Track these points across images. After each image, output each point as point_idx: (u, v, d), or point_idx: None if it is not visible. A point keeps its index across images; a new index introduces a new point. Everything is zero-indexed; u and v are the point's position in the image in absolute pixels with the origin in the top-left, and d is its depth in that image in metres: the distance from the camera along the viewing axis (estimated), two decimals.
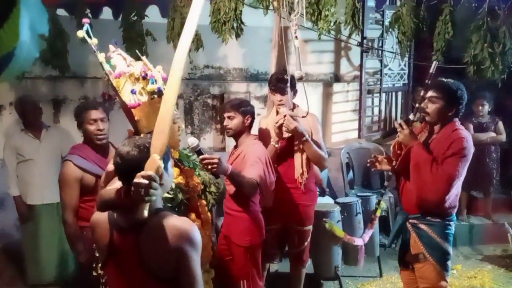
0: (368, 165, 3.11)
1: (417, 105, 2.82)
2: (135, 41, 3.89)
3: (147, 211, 1.59)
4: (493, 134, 5.15)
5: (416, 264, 2.82)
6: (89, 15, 3.91)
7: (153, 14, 4.16)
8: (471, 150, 2.65)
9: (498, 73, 4.00)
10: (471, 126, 5.15)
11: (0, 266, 4.26)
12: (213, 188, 2.73)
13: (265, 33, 5.24)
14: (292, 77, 3.19)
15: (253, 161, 2.92)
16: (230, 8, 3.73)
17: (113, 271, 1.78)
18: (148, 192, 1.55)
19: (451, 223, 2.77)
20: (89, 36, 2.16)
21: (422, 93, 2.78)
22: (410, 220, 2.83)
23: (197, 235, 1.67)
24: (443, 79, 2.80)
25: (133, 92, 2.16)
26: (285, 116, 3.19)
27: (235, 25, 3.81)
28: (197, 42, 3.94)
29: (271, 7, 3.81)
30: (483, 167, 5.16)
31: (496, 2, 3.84)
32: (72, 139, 4.02)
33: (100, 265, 2.37)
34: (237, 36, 3.89)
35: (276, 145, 3.30)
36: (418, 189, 2.69)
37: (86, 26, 2.15)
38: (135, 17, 3.96)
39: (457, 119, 2.75)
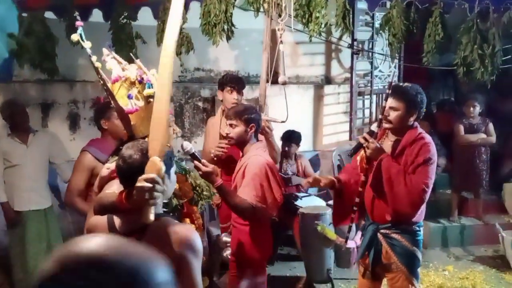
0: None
1: (379, 116, 2.74)
2: (125, 44, 3.85)
3: (153, 214, 1.57)
4: (483, 136, 5.17)
5: (388, 274, 2.78)
6: (78, 17, 3.85)
7: (142, 17, 4.12)
8: (436, 152, 2.65)
9: (487, 74, 4.01)
10: (461, 127, 5.18)
11: None
12: (206, 192, 2.69)
13: (256, 35, 5.22)
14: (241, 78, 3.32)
15: (249, 179, 2.73)
16: (221, 11, 3.71)
17: None
18: (152, 195, 1.54)
19: (421, 228, 2.77)
20: (83, 40, 2.13)
21: (383, 104, 2.71)
22: (382, 231, 2.76)
23: (198, 242, 1.66)
24: (401, 84, 2.76)
25: (130, 97, 2.12)
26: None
27: (225, 27, 3.78)
28: (188, 45, 3.91)
29: (261, 9, 3.79)
30: (473, 168, 5.19)
31: (489, 4, 3.85)
32: (61, 143, 3.96)
33: None
34: (228, 38, 3.87)
35: (213, 155, 3.30)
36: (393, 202, 2.62)
37: (80, 29, 2.12)
38: (125, 20, 3.92)
39: (417, 123, 2.73)
